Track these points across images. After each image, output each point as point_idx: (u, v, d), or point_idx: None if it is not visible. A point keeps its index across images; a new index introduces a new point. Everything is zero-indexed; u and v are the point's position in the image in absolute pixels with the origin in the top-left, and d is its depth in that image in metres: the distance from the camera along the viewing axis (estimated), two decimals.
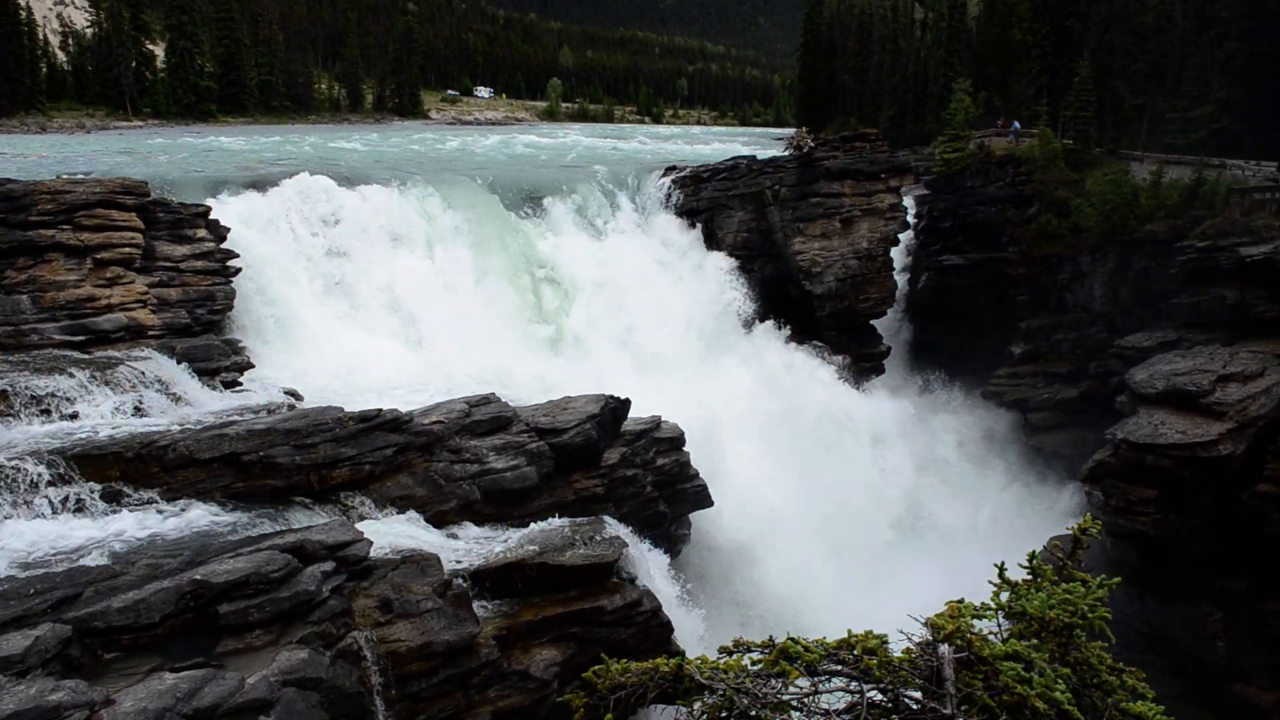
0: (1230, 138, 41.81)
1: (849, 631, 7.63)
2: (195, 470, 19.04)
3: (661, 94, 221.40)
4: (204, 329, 27.36)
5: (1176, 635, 29.83)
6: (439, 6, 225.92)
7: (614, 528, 22.43)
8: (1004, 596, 8.14)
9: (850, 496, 37.44)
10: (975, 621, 7.71)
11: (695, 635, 24.40)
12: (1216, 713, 29.02)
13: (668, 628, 20.97)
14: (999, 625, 8.00)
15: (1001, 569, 8.42)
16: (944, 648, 7.11)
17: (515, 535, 20.93)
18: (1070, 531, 8.91)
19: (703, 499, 28.57)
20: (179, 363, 24.79)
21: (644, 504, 26.09)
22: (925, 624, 7.49)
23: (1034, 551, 8.63)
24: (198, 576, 15.02)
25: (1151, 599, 30.44)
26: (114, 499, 18.12)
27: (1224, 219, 35.52)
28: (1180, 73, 46.53)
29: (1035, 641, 7.60)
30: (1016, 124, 54.81)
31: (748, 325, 43.27)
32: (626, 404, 26.52)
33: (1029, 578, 8.40)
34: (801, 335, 44.54)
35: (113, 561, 15.90)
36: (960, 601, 7.84)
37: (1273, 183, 37.10)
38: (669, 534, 27.84)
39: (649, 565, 23.40)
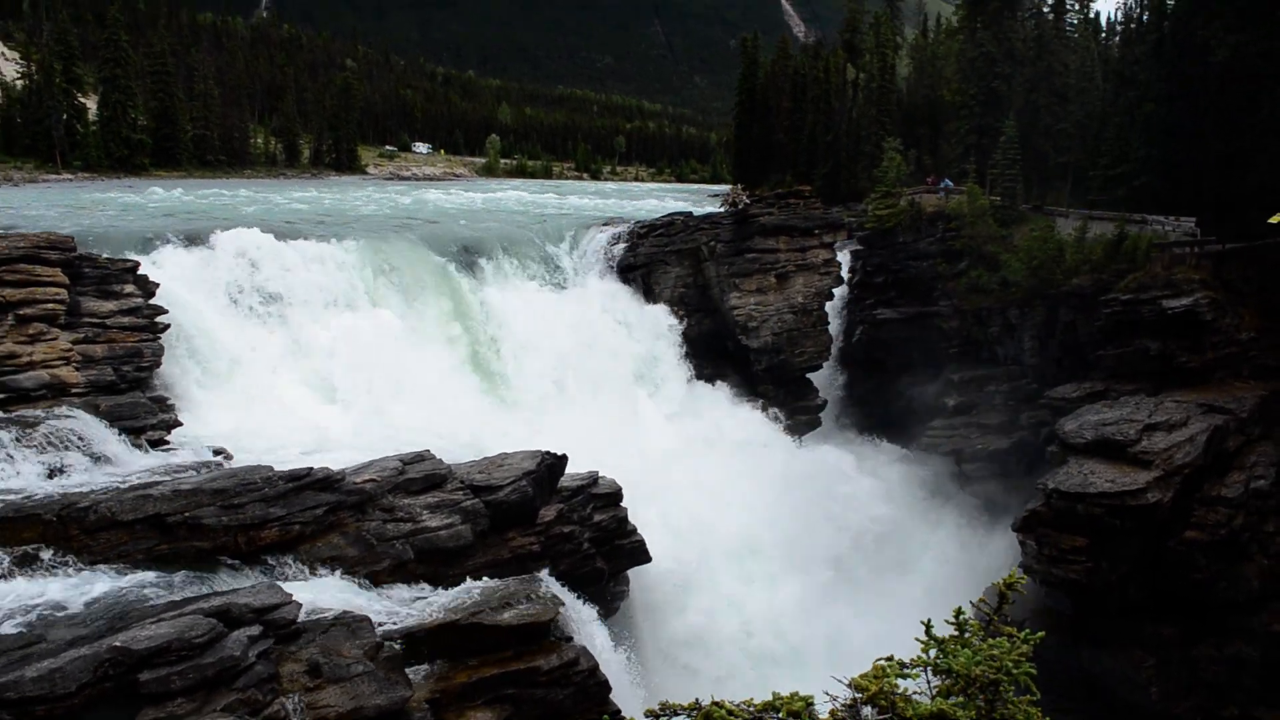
0: (1150, 194, 43.16)
1: (773, 694, 7.57)
2: (117, 532, 18.49)
3: (600, 151, 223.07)
4: (130, 386, 26.81)
5: (1110, 683, 30.15)
6: (377, 63, 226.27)
7: (550, 586, 22.16)
8: (932, 653, 8.15)
9: (790, 548, 37.47)
10: (903, 680, 7.70)
11: (635, 692, 24.17)
12: None
13: (605, 687, 20.65)
14: (928, 682, 8.00)
15: (928, 626, 8.44)
16: (866, 710, 7.08)
17: (449, 595, 20.55)
18: (996, 586, 8.97)
19: (640, 555, 28.37)
20: (104, 421, 24.21)
21: (581, 561, 25.84)
22: (849, 684, 7.46)
23: (959, 608, 8.68)
24: (118, 643, 14.52)
25: (1086, 647, 30.79)
26: (30, 563, 17.52)
27: (1146, 273, 36.58)
28: (1101, 132, 48.08)
29: (961, 699, 7.60)
30: (948, 181, 56.06)
31: (686, 379, 43.42)
32: (563, 460, 26.34)
33: (955, 633, 8.42)
34: (738, 389, 44.82)
35: (28, 629, 15.34)
36: (889, 658, 7.84)
37: (1191, 238, 38.29)
38: (607, 591, 27.60)
39: (586, 623, 23.14)
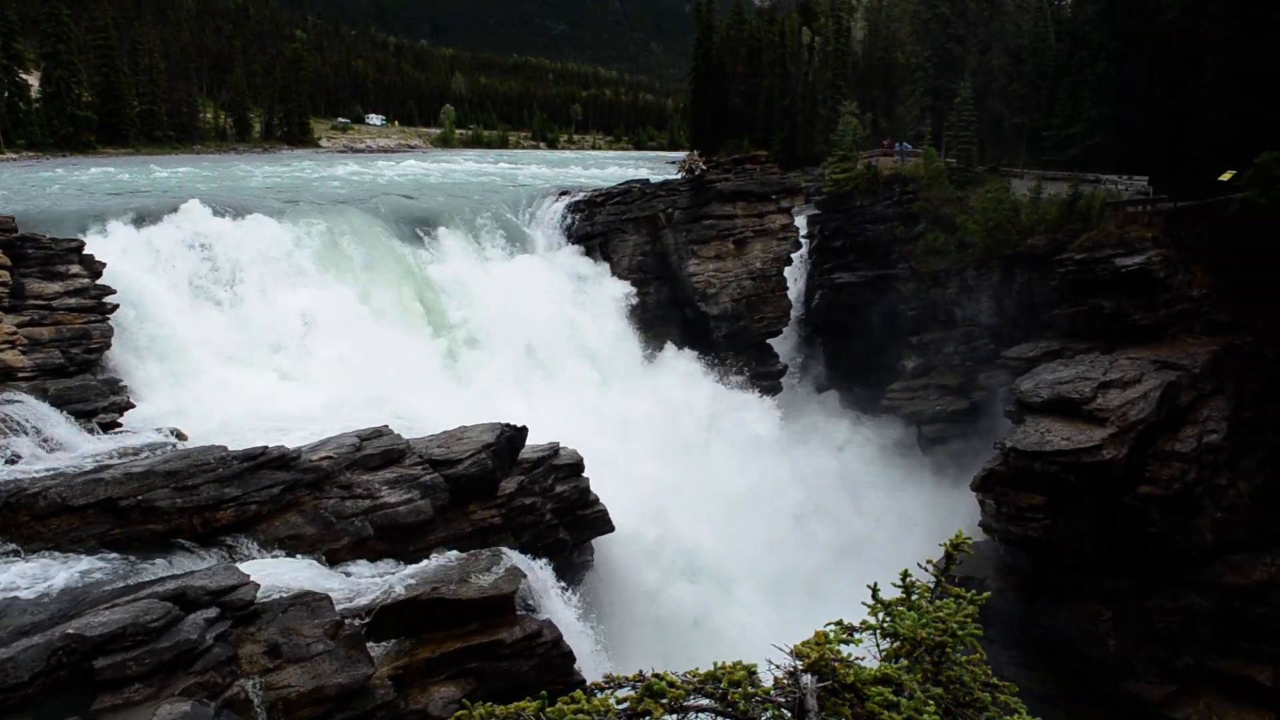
0: (1103, 154, 43.45)
1: (715, 663, 7.57)
2: (69, 518, 18.20)
3: (556, 119, 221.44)
4: (79, 369, 26.28)
5: (1069, 636, 30.62)
6: (327, 33, 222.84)
7: (513, 558, 22.08)
8: (879, 617, 8.19)
9: (750, 509, 37.73)
10: (851, 642, 7.72)
11: (601, 661, 24.24)
12: (1110, 709, 29.87)
13: (569, 657, 20.67)
14: (877, 646, 8.04)
15: (875, 589, 8.47)
16: (807, 678, 7.10)
17: (410, 570, 20.43)
18: (944, 547, 9.01)
19: (603, 524, 28.39)
20: (52, 405, 23.80)
21: (544, 532, 25.82)
22: (791, 653, 7.47)
23: (905, 570, 8.70)
24: (71, 630, 14.30)
25: (1044, 602, 31.22)
26: None
27: (1100, 232, 36.88)
28: (1054, 92, 48.29)
29: (906, 663, 7.65)
30: (905, 144, 56.14)
31: (644, 347, 43.36)
32: (523, 431, 26.24)
33: (903, 596, 8.45)
34: (697, 356, 44.87)
35: None
36: (839, 622, 7.85)
37: (1144, 196, 38.61)
38: (570, 561, 27.60)
39: (550, 595, 23.14)
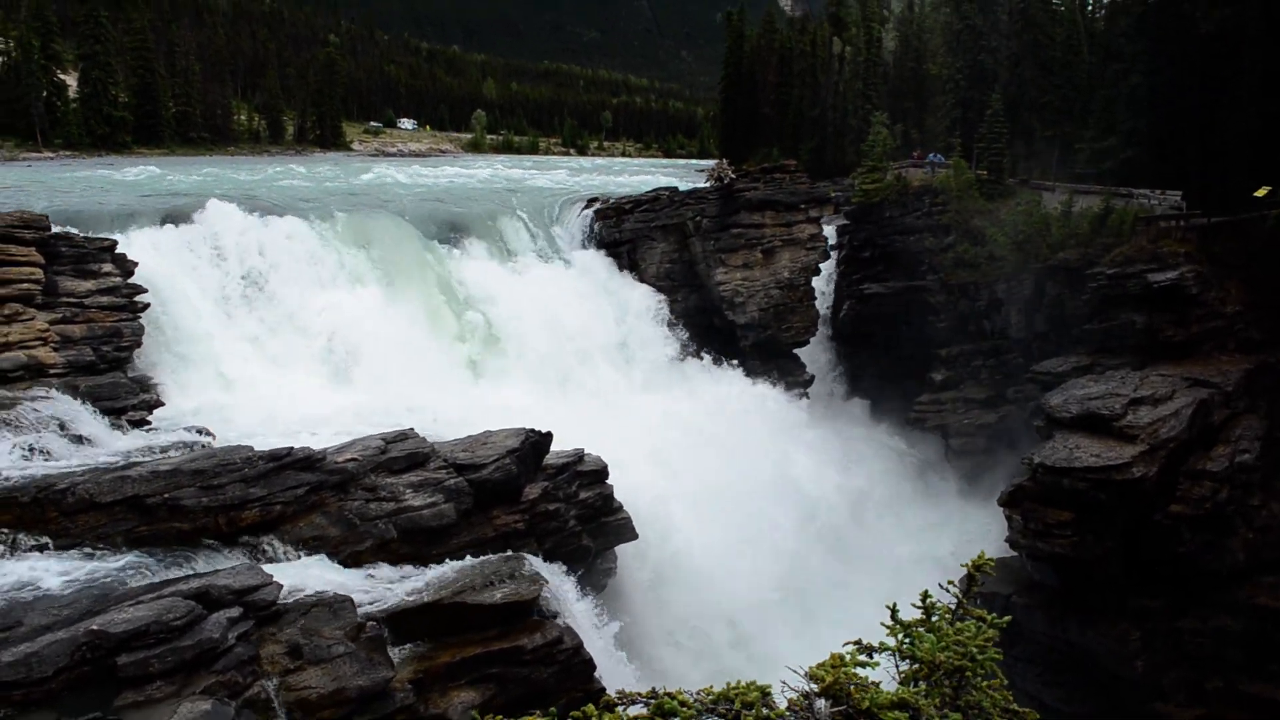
0: (1136, 168, 42.98)
1: (727, 683, 7.47)
2: (96, 514, 18.33)
3: (586, 126, 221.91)
4: (110, 366, 26.53)
5: (1097, 655, 30.24)
6: (361, 38, 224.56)
7: (535, 564, 22.09)
8: (898, 638, 8.04)
9: (778, 519, 37.52)
10: (868, 665, 7.59)
11: (621, 669, 24.16)
12: None
13: (589, 665, 20.64)
14: (896, 667, 7.90)
15: (894, 610, 8.33)
16: (821, 703, 6.98)
17: (432, 574, 20.46)
18: (967, 567, 8.87)
19: (627, 532, 28.29)
20: (83, 402, 24.03)
21: (566, 539, 25.76)
22: (805, 675, 7.36)
23: (926, 591, 8.56)
24: (95, 626, 14.41)
25: (1072, 620, 30.86)
26: (7, 546, 17.34)
27: (1132, 247, 36.45)
28: (1088, 105, 47.88)
29: (924, 687, 7.51)
30: (935, 155, 55.83)
31: (671, 355, 43.28)
32: (548, 437, 26.22)
33: (922, 617, 8.31)
34: (725, 364, 44.75)
35: (4, 613, 15.18)
36: (856, 642, 7.72)
37: (1177, 211, 38.18)
38: (593, 568, 27.54)
39: (571, 601, 23.08)
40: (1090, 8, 72.15)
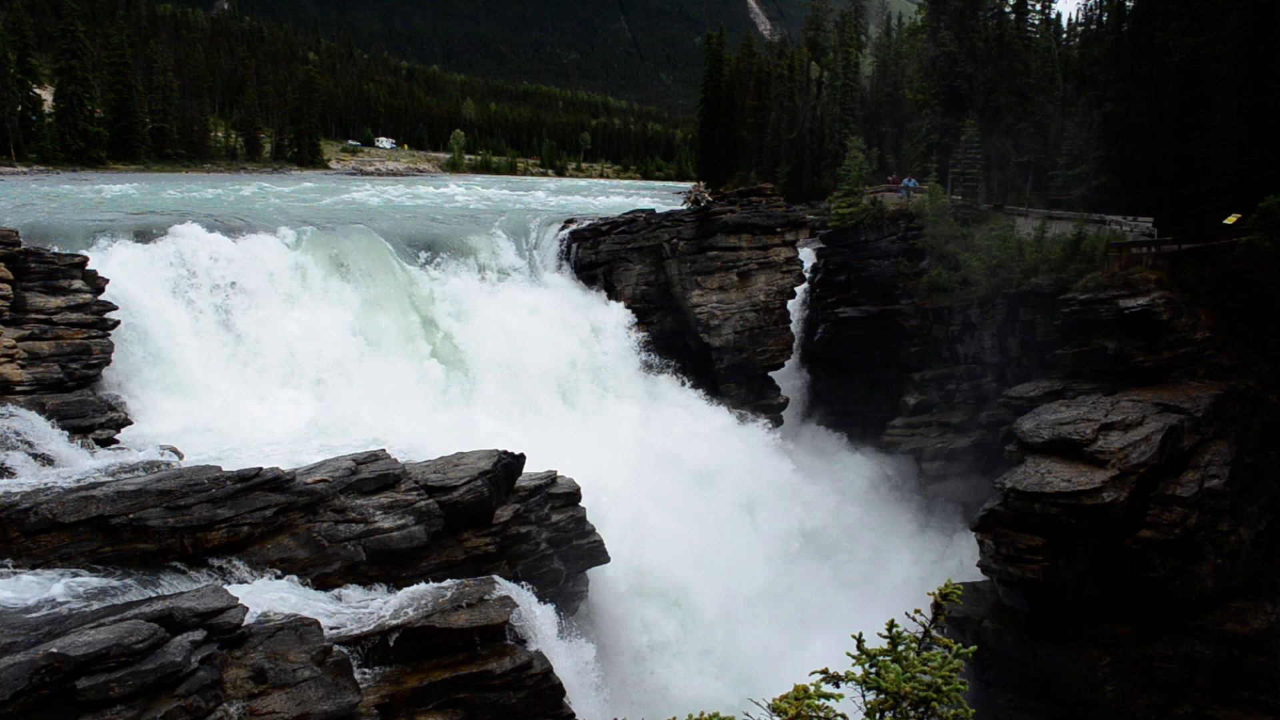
0: (1109, 194, 43.47)
1: (689, 716, 7.40)
2: (59, 535, 18.06)
3: (565, 147, 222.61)
4: (78, 384, 26.26)
5: (1067, 680, 30.27)
6: (340, 56, 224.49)
7: (505, 587, 21.91)
8: (864, 668, 8.00)
9: (751, 543, 37.51)
10: (832, 697, 7.53)
11: (591, 695, 24.01)
12: None
13: (559, 690, 20.45)
14: (862, 696, 7.86)
15: (860, 640, 8.29)
16: None
17: (401, 597, 20.26)
18: (932, 596, 8.84)
19: (599, 555, 28.17)
20: (49, 420, 23.75)
21: (538, 561, 25.59)
22: (769, 707, 7.30)
23: (893, 620, 8.53)
24: (54, 649, 14.12)
25: (1042, 645, 30.89)
26: None
27: (1104, 273, 36.80)
28: (1061, 132, 48.38)
29: (890, 717, 7.47)
30: (911, 180, 56.21)
31: (645, 378, 43.23)
32: (521, 459, 26.07)
33: (888, 647, 8.28)
34: (699, 387, 44.74)
35: None
36: (823, 671, 7.68)
37: (1148, 238, 38.58)
38: (565, 591, 27.36)
39: (542, 625, 22.92)
40: (1064, 36, 73.20)
